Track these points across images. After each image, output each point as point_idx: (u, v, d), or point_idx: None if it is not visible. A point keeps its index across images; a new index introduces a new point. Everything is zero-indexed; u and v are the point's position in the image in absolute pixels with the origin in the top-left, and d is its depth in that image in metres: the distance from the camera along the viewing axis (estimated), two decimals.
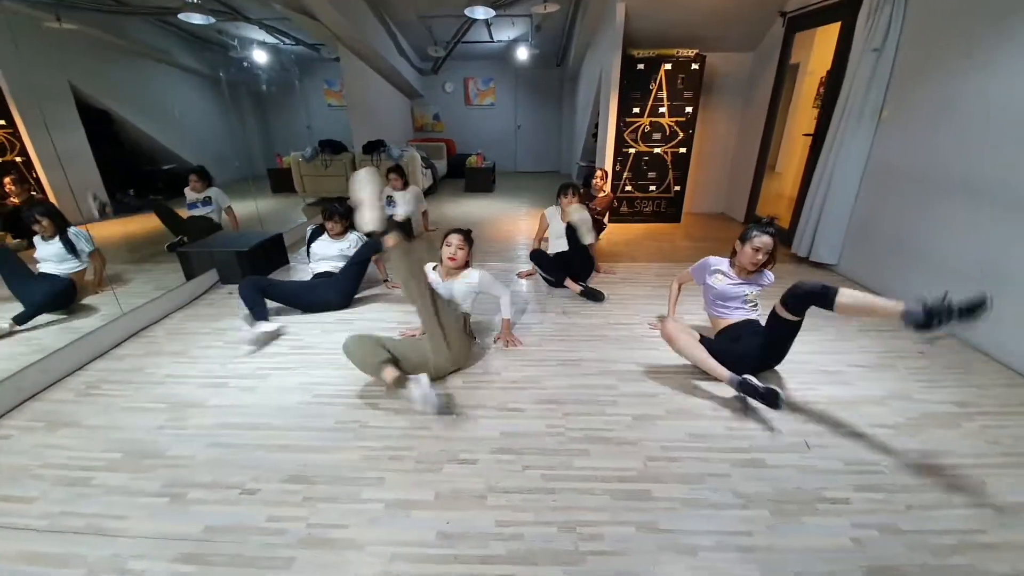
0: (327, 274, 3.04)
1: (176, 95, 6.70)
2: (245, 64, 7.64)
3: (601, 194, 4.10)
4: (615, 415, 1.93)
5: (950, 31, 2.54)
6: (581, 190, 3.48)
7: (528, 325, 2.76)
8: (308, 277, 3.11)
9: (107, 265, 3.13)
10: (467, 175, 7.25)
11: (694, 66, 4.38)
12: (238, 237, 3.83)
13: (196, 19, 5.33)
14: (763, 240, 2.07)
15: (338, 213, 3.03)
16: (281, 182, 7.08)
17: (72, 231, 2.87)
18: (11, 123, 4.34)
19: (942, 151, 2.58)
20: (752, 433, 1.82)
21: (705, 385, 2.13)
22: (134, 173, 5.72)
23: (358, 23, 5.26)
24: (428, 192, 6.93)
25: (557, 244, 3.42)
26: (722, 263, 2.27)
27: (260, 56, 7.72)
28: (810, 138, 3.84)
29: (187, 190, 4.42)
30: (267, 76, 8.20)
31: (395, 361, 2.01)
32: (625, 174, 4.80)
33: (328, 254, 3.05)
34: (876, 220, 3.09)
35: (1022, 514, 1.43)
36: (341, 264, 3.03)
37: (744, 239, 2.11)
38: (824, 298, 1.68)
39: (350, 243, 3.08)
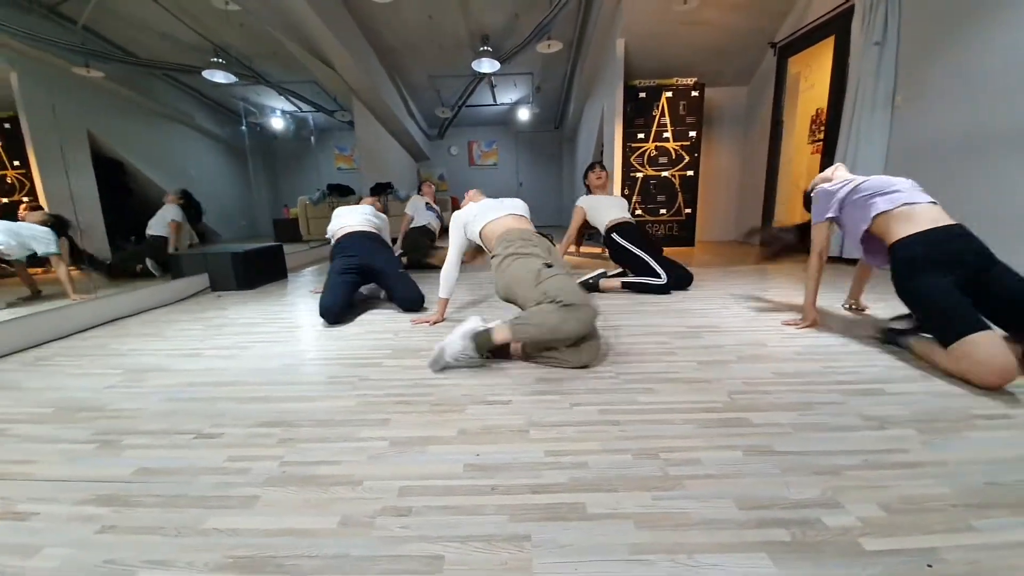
0: (364, 235, 2.52)
1: (190, 153, 6.98)
2: (258, 129, 8.12)
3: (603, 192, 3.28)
4: (675, 361, 1.56)
5: (952, 9, 2.60)
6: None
7: None
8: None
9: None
10: None
11: (694, 93, 4.56)
12: (235, 244, 3.64)
13: (218, 77, 5.66)
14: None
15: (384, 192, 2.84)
16: (285, 231, 7.09)
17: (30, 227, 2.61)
18: (24, 163, 4.39)
19: (977, 116, 2.50)
20: (855, 367, 1.45)
21: (776, 337, 1.78)
22: (140, 223, 5.71)
23: (371, 75, 5.60)
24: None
25: (613, 215, 2.94)
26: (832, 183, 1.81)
27: (277, 122, 8.23)
28: (817, 144, 3.84)
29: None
30: (281, 140, 8.67)
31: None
32: (635, 198, 4.76)
33: (364, 211, 2.66)
34: None
35: None
36: (376, 224, 2.65)
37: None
38: None
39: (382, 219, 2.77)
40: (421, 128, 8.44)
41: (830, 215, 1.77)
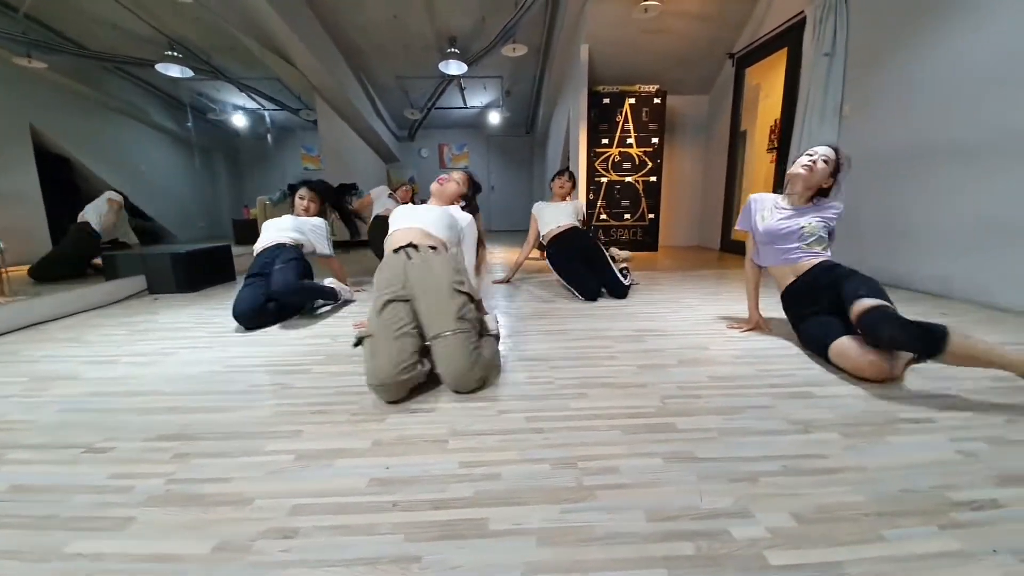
0: (275, 246, 2.42)
1: (145, 152, 6.65)
2: (218, 125, 7.82)
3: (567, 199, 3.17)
4: (615, 366, 1.53)
5: (896, 20, 2.71)
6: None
7: (509, 305, 2.39)
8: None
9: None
10: None
11: (656, 100, 4.63)
12: (176, 246, 3.46)
13: (173, 71, 5.41)
14: (818, 148, 1.67)
15: (314, 189, 2.70)
16: (246, 233, 6.83)
17: None
18: None
19: (919, 126, 2.60)
20: (790, 371, 1.45)
21: (719, 341, 1.78)
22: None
23: (335, 74, 5.46)
24: None
25: (553, 224, 2.93)
26: (768, 196, 1.83)
27: (239, 120, 7.95)
28: (774, 153, 3.95)
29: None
30: (244, 139, 8.38)
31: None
32: (599, 203, 4.79)
33: (282, 225, 2.54)
34: (858, 210, 3.01)
35: None
36: (293, 238, 2.49)
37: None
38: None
39: (315, 226, 2.64)
40: (390, 129, 8.31)
41: (742, 228, 1.90)
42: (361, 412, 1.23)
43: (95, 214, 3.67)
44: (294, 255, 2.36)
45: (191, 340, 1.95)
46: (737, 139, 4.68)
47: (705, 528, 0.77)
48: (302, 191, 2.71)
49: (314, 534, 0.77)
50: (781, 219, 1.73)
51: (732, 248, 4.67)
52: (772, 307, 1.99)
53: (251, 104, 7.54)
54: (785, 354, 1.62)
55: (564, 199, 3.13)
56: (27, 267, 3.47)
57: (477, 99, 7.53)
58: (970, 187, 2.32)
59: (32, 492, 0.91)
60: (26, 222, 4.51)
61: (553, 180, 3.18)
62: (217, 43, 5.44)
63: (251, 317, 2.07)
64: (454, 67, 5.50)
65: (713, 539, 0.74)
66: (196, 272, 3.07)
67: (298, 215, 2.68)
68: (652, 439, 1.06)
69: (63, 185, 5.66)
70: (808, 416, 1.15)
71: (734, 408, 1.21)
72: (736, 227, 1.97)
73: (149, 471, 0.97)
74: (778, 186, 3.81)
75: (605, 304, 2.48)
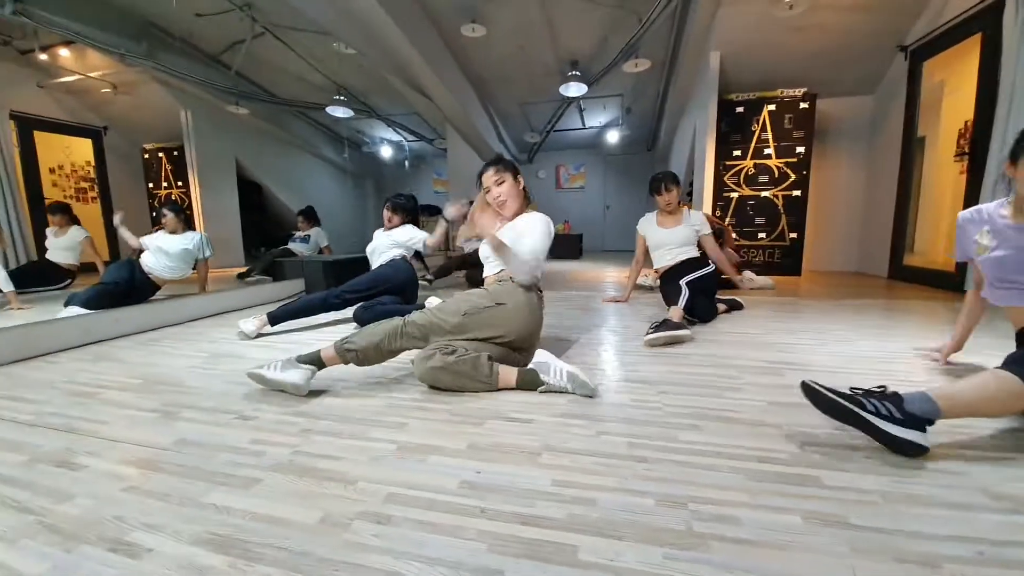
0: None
1: (313, 178, 8.05)
2: (368, 155, 9.10)
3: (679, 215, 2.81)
4: (738, 399, 1.32)
5: None
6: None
7: (627, 324, 2.26)
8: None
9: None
10: (555, 241, 7.26)
11: (803, 105, 4.07)
12: (331, 256, 4.04)
13: (339, 112, 6.46)
14: None
15: (399, 206, 2.82)
16: None
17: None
18: (186, 183, 5.44)
19: None
20: (991, 426, 1.09)
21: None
22: (271, 235, 6.67)
23: (464, 104, 5.96)
24: None
25: (662, 257, 2.73)
26: (982, 210, 1.37)
27: (385, 151, 9.17)
28: (964, 161, 3.16)
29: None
30: (389, 166, 9.64)
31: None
32: (728, 220, 4.34)
33: (380, 245, 2.80)
34: None
35: None
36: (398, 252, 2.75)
37: None
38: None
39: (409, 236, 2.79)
40: (511, 152, 8.74)
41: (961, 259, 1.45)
42: (460, 414, 1.24)
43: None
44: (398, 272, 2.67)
45: (331, 332, 2.23)
46: (912, 146, 3.86)
47: None
48: (385, 208, 2.85)
49: (404, 524, 0.78)
50: (1008, 243, 1.27)
51: (906, 276, 3.80)
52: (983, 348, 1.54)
53: (394, 136, 8.65)
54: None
55: (673, 216, 2.77)
56: (228, 270, 4.42)
57: (596, 119, 7.52)
58: None
59: (191, 446, 1.09)
60: (227, 234, 5.77)
61: (654, 195, 2.76)
62: (373, 86, 6.36)
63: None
64: (574, 89, 5.59)
65: None
66: (343, 276, 3.55)
67: (387, 230, 2.85)
68: (787, 491, 0.87)
69: (256, 206, 7.13)
70: (1020, 491, 0.84)
71: (905, 467, 0.94)
72: (954, 258, 1.55)
73: (280, 440, 1.10)
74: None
75: (733, 330, 2.20)
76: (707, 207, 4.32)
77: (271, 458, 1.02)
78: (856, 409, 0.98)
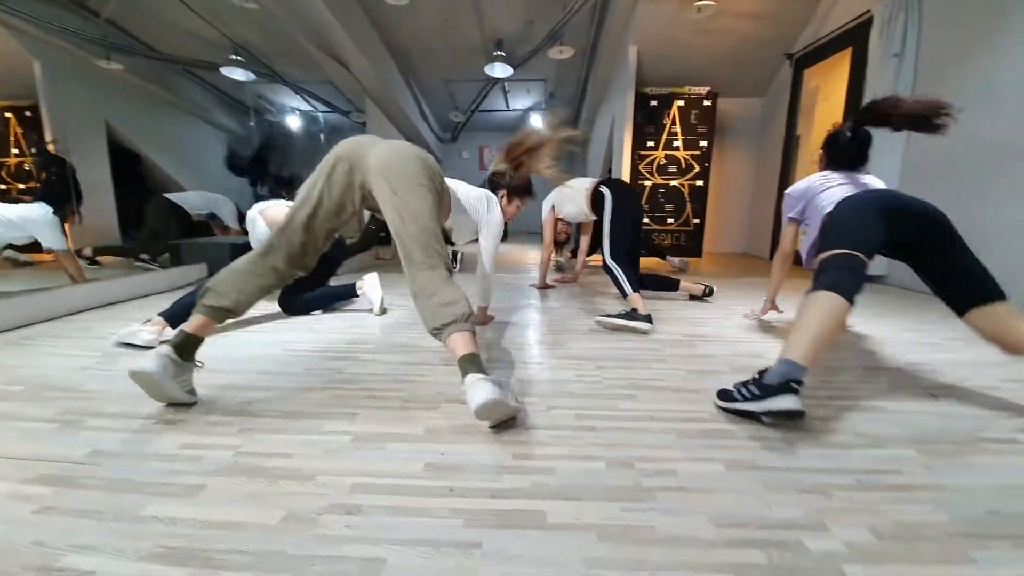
0: None
1: (207, 149, 7.12)
2: (274, 126, 8.24)
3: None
4: (665, 370, 1.49)
5: (973, 21, 2.52)
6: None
7: (552, 306, 2.38)
8: None
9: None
10: None
11: (707, 102, 4.49)
12: (237, 238, 3.66)
13: (237, 74, 5.75)
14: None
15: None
16: None
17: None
18: (42, 149, 4.51)
19: (991, 129, 2.40)
20: (854, 383, 1.37)
21: (775, 349, 1.70)
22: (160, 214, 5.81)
23: (385, 78, 5.65)
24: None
25: (578, 215, 2.79)
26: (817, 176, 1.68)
27: (293, 121, 8.35)
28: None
29: None
30: (295, 138, 8.80)
31: None
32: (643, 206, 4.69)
33: None
34: None
35: None
36: None
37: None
38: None
39: None
40: (433, 131, 8.49)
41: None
42: (413, 399, 1.25)
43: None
44: None
45: (250, 324, 2.05)
46: (791, 144, 4.47)
47: (776, 538, 0.73)
48: None
49: (375, 512, 0.79)
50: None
51: None
52: None
53: (305, 106, 7.91)
54: (847, 366, 1.53)
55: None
56: (94, 248, 3.78)
57: (520, 102, 7.57)
58: None
59: (110, 457, 0.97)
60: (98, 209, 4.92)
61: None
62: (279, 48, 5.73)
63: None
64: (499, 70, 5.56)
65: (786, 550, 0.70)
66: None
67: None
68: (710, 444, 1.02)
69: (132, 178, 6.13)
70: (878, 430, 1.08)
71: (795, 419, 1.14)
72: (788, 217, 1.84)
73: (216, 443, 1.03)
74: None
75: (654, 308, 2.42)
76: None
77: (211, 462, 0.95)
78: (730, 404, 1.15)
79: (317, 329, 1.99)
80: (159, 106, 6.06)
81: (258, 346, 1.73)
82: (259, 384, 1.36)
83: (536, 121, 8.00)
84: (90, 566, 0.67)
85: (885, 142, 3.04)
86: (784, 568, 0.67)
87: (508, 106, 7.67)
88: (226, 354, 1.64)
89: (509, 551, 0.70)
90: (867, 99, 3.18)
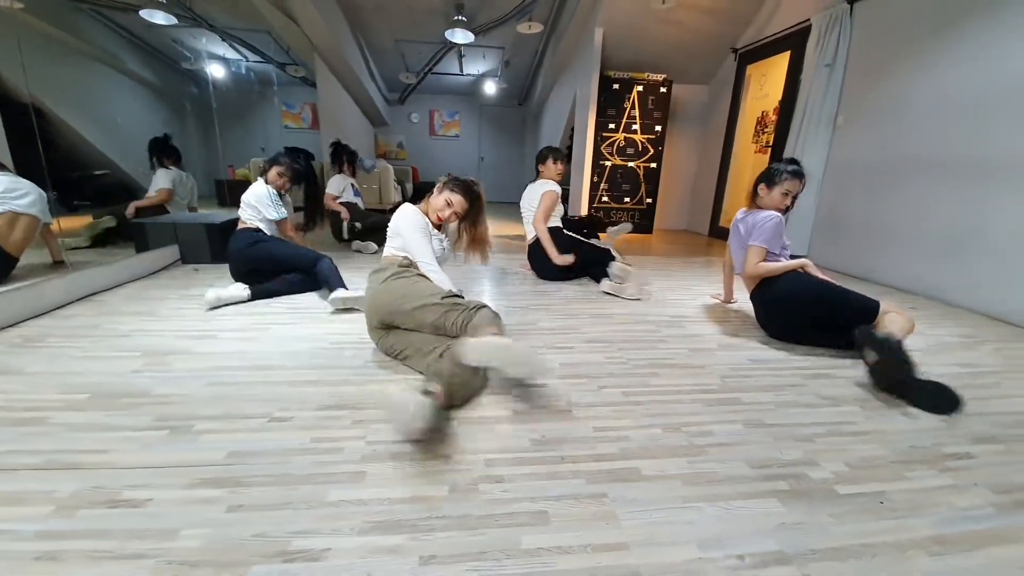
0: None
1: (120, 102, 6.18)
2: (190, 75, 7.29)
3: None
4: (668, 349, 1.85)
5: (894, 42, 3.03)
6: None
7: (546, 292, 2.65)
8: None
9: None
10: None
11: (663, 89, 4.83)
12: (207, 214, 3.43)
13: (158, 18, 5.05)
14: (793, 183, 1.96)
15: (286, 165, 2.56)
16: (233, 193, 6.59)
17: None
18: None
19: (903, 142, 2.97)
20: (810, 354, 1.82)
21: (745, 327, 2.13)
22: (63, 177, 5.06)
23: (335, 33, 5.27)
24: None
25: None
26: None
27: (217, 71, 7.43)
28: (766, 152, 4.30)
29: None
30: (220, 91, 7.86)
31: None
32: (602, 185, 5.03)
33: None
34: (843, 211, 3.44)
35: None
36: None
37: (772, 182, 2.01)
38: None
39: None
40: (382, 92, 8.05)
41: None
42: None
43: None
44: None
45: (272, 316, 2.09)
46: (732, 131, 5.00)
47: (790, 472, 1.09)
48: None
49: (518, 479, 1.04)
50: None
51: (720, 234, 5.08)
52: None
53: (232, 55, 7.06)
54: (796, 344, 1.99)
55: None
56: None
57: (475, 67, 7.41)
58: (940, 198, 2.74)
59: (251, 456, 1.10)
60: None
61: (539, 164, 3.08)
62: None
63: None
64: (460, 36, 5.42)
65: (798, 479, 1.07)
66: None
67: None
68: (727, 410, 1.37)
69: (37, 137, 5.23)
70: (834, 392, 1.51)
71: (777, 386, 1.54)
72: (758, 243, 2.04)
73: (342, 435, 1.19)
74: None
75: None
76: (586, 174, 4.92)
77: (352, 452, 1.12)
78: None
79: (347, 319, 2.08)
80: (64, 54, 5.14)
81: (302, 340, 1.82)
82: (331, 378, 1.50)
83: (490, 87, 7.89)
84: (322, 545, 0.85)
85: (811, 148, 3.59)
86: (802, 491, 1.03)
87: (462, 71, 7.47)
88: (274, 349, 1.72)
89: (627, 496, 0.99)
90: (801, 102, 3.69)
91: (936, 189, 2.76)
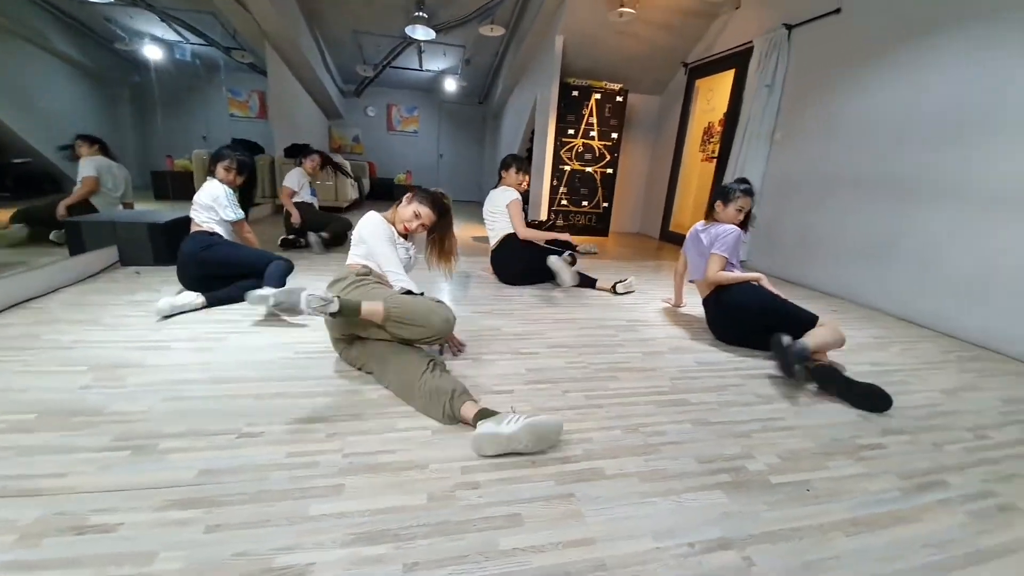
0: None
1: (43, 83, 5.58)
2: (125, 56, 6.71)
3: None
4: (625, 353, 1.98)
5: (827, 68, 3.34)
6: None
7: (509, 296, 2.73)
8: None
9: None
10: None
11: (619, 98, 5.03)
12: (148, 212, 3.21)
13: None
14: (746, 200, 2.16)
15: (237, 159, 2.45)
16: (171, 186, 6.18)
17: None
18: None
19: (832, 159, 3.30)
20: (748, 357, 2.01)
21: (692, 330, 2.31)
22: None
23: (289, 20, 5.06)
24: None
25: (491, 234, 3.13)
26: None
27: (154, 52, 6.87)
28: (712, 162, 4.61)
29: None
30: (158, 75, 7.28)
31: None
32: (561, 189, 5.17)
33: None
34: (779, 221, 3.76)
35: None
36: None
37: (727, 199, 2.18)
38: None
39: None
40: (336, 83, 7.78)
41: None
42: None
43: None
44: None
45: (229, 324, 2.03)
46: (682, 141, 5.29)
47: (732, 466, 1.24)
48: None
49: (492, 484, 1.11)
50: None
51: (669, 238, 5.38)
52: None
53: (171, 36, 6.55)
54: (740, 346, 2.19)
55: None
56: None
57: (435, 63, 7.33)
58: (862, 211, 3.07)
59: (224, 474, 1.09)
60: None
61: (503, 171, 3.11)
62: None
63: None
64: (421, 32, 5.36)
65: (738, 472, 1.21)
66: (176, 241, 2.93)
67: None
68: (677, 411, 1.51)
69: None
70: (768, 391, 1.70)
71: (720, 386, 1.71)
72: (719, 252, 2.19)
73: (317, 449, 1.21)
74: (717, 183, 4.47)
75: (590, 295, 2.93)
76: (546, 177, 5.04)
77: (328, 465, 1.14)
78: None
79: (309, 327, 2.06)
80: None
81: (263, 350, 1.79)
82: (300, 391, 1.50)
83: (450, 84, 7.84)
84: (306, 559, 0.88)
85: (751, 161, 3.90)
86: (740, 483, 1.17)
87: (422, 66, 7.37)
88: (233, 359, 1.69)
89: (592, 495, 1.09)
90: (744, 117, 3.99)
91: (859, 203, 3.09)
